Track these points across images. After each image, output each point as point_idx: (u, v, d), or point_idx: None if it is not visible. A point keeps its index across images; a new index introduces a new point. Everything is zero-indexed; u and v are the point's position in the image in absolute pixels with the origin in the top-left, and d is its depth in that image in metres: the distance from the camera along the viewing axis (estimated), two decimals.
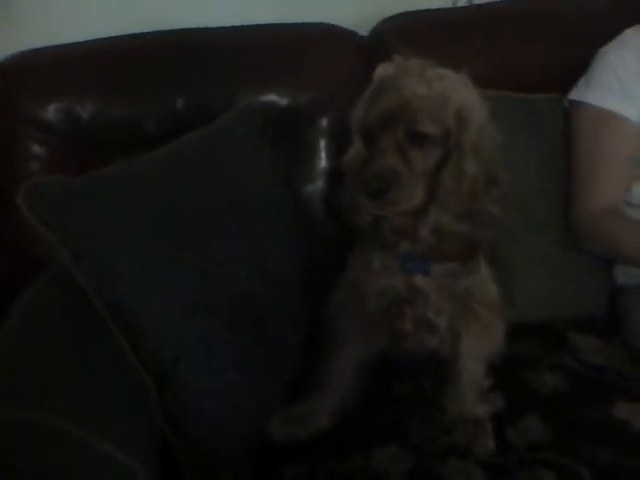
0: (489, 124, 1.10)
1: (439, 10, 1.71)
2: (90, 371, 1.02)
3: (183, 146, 1.26)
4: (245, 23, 1.56)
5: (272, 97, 1.49)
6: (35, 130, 1.38)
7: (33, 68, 1.42)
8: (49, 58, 1.43)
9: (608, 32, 1.54)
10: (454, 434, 1.19)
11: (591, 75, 1.53)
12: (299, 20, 1.58)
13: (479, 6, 1.76)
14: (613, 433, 1.21)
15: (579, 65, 1.56)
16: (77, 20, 1.52)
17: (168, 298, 1.08)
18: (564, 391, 1.30)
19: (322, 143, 1.52)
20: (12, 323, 1.08)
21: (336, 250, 1.30)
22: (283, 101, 1.50)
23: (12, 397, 0.94)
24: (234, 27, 1.55)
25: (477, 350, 1.22)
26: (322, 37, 1.58)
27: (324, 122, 1.52)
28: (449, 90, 1.08)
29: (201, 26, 1.52)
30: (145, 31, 1.48)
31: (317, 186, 1.52)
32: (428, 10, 1.68)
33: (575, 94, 1.55)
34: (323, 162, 1.53)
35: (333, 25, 1.59)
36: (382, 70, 1.13)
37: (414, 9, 1.65)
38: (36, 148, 1.39)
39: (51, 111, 1.38)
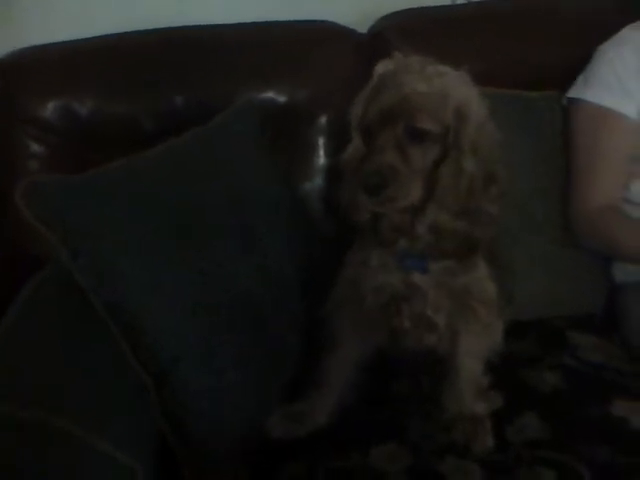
0: (488, 122, 1.10)
1: (438, 7, 1.71)
2: (90, 371, 1.01)
3: (182, 144, 1.25)
4: (244, 21, 1.55)
5: (271, 94, 1.49)
6: (34, 129, 1.38)
7: (32, 66, 1.42)
8: (48, 56, 1.43)
9: (607, 31, 1.54)
10: (453, 432, 1.19)
11: (590, 73, 1.53)
12: (298, 18, 1.58)
13: (478, 3, 1.77)
14: (611, 431, 1.21)
15: (578, 63, 1.55)
16: (77, 18, 1.52)
17: (168, 298, 1.07)
18: (562, 389, 1.30)
19: (321, 141, 1.52)
20: (9, 322, 1.08)
21: (335, 248, 1.30)
22: (282, 98, 1.50)
23: (12, 397, 0.94)
24: (233, 25, 1.54)
25: (475, 348, 1.22)
26: (321, 35, 1.58)
27: (323, 120, 1.52)
28: (449, 87, 1.08)
29: (199, 24, 1.52)
30: (145, 29, 1.48)
31: (316, 184, 1.52)
32: (427, 7, 1.68)
33: (574, 92, 1.55)
34: (322, 160, 1.52)
35: (332, 23, 1.59)
36: (382, 67, 1.13)
37: (413, 6, 1.65)
38: (35, 147, 1.39)
39: (50, 109, 1.38)
